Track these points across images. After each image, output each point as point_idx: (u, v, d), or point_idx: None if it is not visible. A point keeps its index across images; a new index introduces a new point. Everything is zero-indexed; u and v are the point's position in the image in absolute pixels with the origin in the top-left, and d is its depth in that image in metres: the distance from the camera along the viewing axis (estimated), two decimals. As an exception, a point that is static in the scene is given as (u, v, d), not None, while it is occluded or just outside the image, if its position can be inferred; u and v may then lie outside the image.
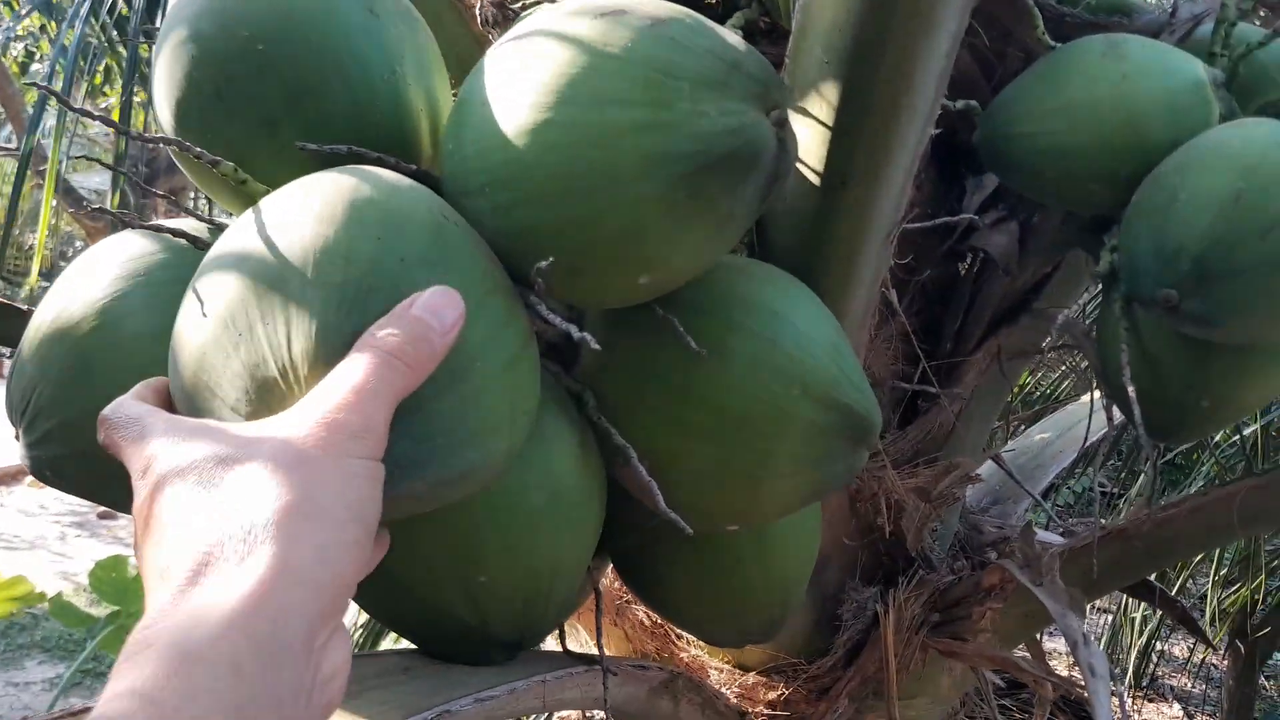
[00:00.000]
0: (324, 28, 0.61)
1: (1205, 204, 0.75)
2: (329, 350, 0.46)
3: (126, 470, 0.47)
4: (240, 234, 0.51)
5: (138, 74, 2.11)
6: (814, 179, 0.67)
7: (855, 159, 0.65)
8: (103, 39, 2.62)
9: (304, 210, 0.50)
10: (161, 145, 0.61)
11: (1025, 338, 1.07)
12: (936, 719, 1.07)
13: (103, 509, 6.47)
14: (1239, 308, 0.75)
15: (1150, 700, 3.63)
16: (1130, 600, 3.16)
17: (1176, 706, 3.64)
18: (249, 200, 0.57)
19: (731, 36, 0.56)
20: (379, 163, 0.58)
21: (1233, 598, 2.81)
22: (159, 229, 0.62)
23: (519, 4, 0.92)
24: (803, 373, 0.63)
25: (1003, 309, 1.05)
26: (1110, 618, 3.30)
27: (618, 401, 0.66)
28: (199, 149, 0.57)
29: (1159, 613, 3.12)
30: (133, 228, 0.63)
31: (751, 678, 1.02)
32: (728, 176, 0.53)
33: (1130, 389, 0.81)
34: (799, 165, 0.68)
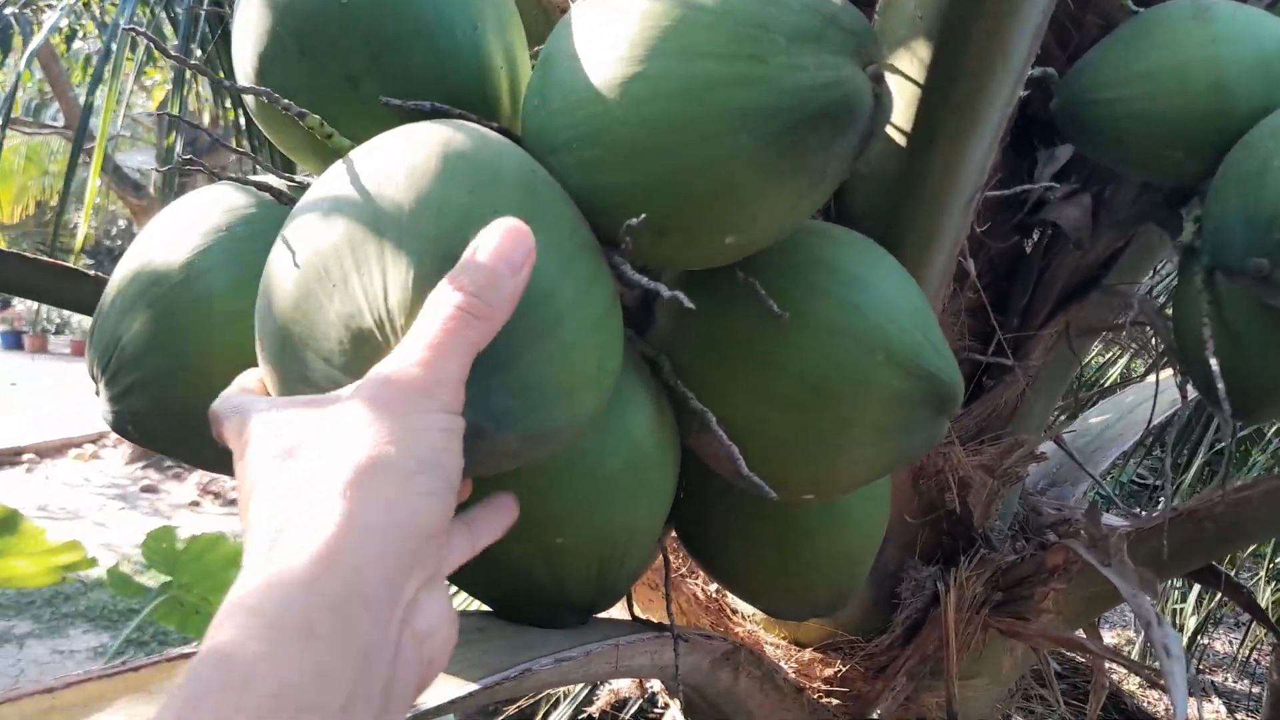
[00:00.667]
0: None
1: (1300, 172, 0.73)
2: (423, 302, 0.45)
3: (207, 425, 0.48)
4: (333, 183, 0.51)
5: (187, 50, 2.12)
6: (899, 140, 0.66)
7: (945, 118, 0.63)
8: (152, 16, 2.64)
9: (400, 161, 0.49)
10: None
11: (1094, 314, 1.04)
12: (995, 700, 1.05)
13: (146, 482, 6.61)
14: (1334, 279, 0.73)
15: (1192, 695, 3.58)
16: (1174, 594, 3.11)
17: (1218, 701, 3.58)
18: (332, 157, 0.57)
19: None
20: (461, 119, 0.58)
21: (1282, 591, 2.75)
22: (243, 182, 0.62)
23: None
24: (886, 339, 0.61)
25: (1072, 284, 1.02)
26: (1151, 610, 3.25)
27: (692, 367, 0.64)
28: (287, 101, 0.56)
29: (1204, 607, 3.07)
30: (214, 181, 0.63)
31: (808, 654, 1.01)
32: (823, 133, 0.52)
33: (1214, 363, 0.79)
34: (882, 127, 0.66)
